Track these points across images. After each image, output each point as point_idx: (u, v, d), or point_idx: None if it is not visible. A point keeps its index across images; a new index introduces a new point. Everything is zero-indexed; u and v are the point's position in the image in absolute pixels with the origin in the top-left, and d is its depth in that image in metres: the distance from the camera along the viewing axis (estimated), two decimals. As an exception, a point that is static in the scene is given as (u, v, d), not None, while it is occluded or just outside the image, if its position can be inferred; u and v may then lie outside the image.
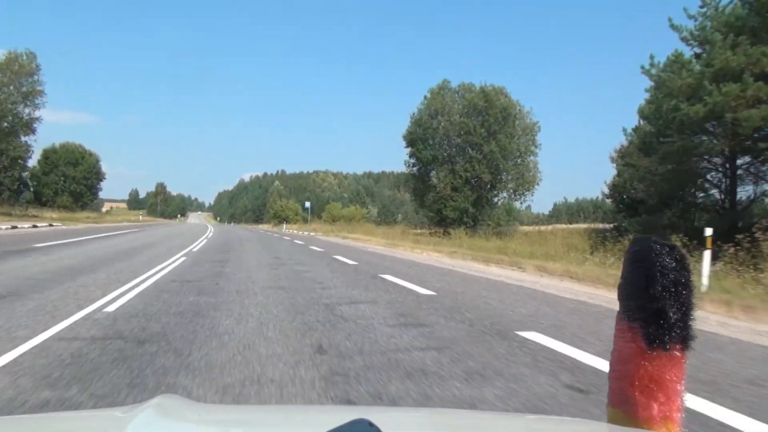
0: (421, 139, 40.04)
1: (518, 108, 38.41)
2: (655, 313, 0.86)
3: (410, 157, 41.97)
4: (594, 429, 1.16)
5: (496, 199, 39.30)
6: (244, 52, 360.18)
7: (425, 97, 41.39)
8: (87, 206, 63.89)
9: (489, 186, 38.52)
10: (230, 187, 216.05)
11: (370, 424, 0.68)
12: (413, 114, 41.86)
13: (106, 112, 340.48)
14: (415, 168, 41.61)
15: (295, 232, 45.42)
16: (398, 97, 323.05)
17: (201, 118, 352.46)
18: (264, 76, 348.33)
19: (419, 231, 50.24)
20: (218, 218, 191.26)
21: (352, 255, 14.18)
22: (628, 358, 0.89)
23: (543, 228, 37.17)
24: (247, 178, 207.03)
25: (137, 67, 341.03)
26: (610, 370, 0.94)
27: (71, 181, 60.93)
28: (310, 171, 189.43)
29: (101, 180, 65.24)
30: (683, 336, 0.87)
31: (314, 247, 17.58)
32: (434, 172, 40.52)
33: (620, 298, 0.92)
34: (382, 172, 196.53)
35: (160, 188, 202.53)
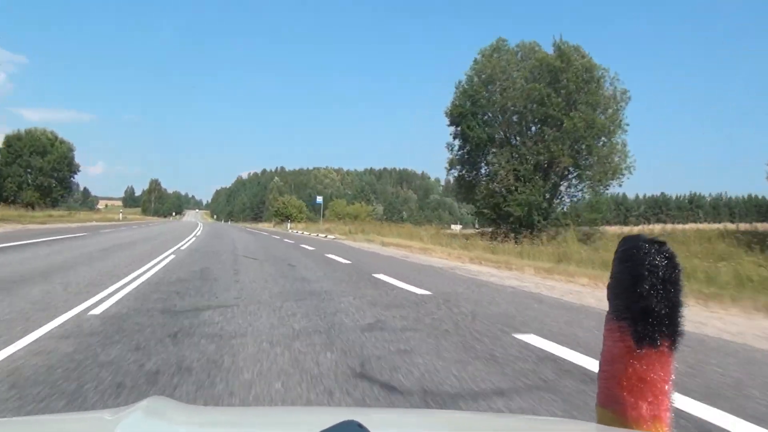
0: (472, 113, 30.83)
1: (601, 71, 29.29)
2: (642, 312, 0.84)
3: (455, 138, 32.83)
4: (583, 429, 1.12)
5: (574, 191, 30.14)
6: (241, 49, 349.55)
7: (475, 60, 32.20)
8: (58, 203, 54.53)
9: (564, 173, 29.41)
10: (228, 185, 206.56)
11: (359, 425, 0.66)
12: (459, 83, 32.69)
13: (104, 111, 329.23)
14: (461, 152, 32.42)
15: (306, 233, 36.23)
16: (399, 93, 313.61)
17: (199, 116, 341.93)
18: (262, 73, 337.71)
19: (463, 232, 41.13)
20: (215, 216, 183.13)
21: (544, 323, 5.07)
22: (617, 358, 0.87)
23: (640, 228, 28.07)
24: (245, 175, 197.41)
25: (135, 66, 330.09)
26: (598, 371, 0.92)
27: (37, 173, 51.63)
28: (310, 168, 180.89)
29: (74, 172, 55.85)
30: (672, 334, 0.85)
31: (386, 278, 8.45)
32: (489, 157, 31.41)
33: (609, 297, 0.90)
34: (384, 168, 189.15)
35: (154, 185, 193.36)
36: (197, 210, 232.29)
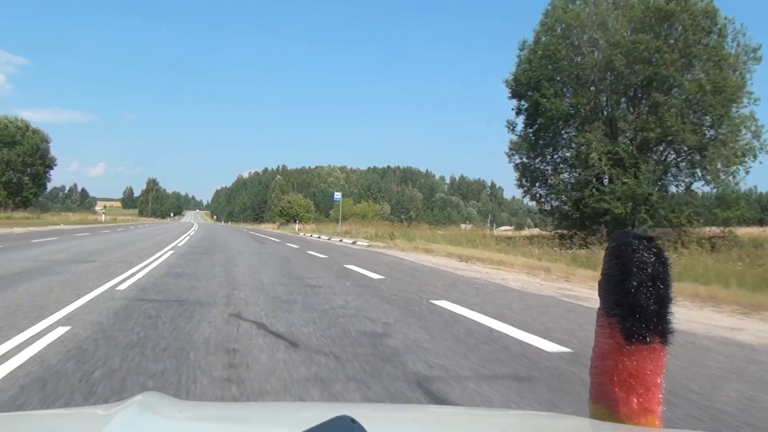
0: (548, 79, 23.43)
1: (724, 20, 21.93)
2: (631, 308, 0.85)
3: (518, 113, 25.48)
4: (576, 424, 1.13)
5: (685, 178, 22.69)
6: (241, 49, 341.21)
7: (545, 12, 24.82)
8: (30, 202, 46.98)
9: (682, 156, 22.01)
10: (228, 184, 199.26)
11: (352, 421, 0.66)
12: (523, 44, 25.34)
13: (104, 111, 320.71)
14: (530, 130, 25.03)
15: (323, 238, 28.84)
16: (401, 90, 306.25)
17: (200, 116, 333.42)
18: (263, 72, 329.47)
19: (518, 234, 33.79)
20: (215, 216, 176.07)
21: None
22: (607, 354, 0.88)
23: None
24: (246, 174, 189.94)
25: (135, 66, 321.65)
26: (590, 366, 0.93)
27: (5, 168, 44.17)
28: (313, 166, 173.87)
29: (50, 167, 48.37)
30: (662, 329, 0.85)
31: None
32: (565, 136, 24.02)
33: (600, 294, 0.91)
34: (388, 166, 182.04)
35: (152, 185, 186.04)
36: (197, 210, 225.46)
